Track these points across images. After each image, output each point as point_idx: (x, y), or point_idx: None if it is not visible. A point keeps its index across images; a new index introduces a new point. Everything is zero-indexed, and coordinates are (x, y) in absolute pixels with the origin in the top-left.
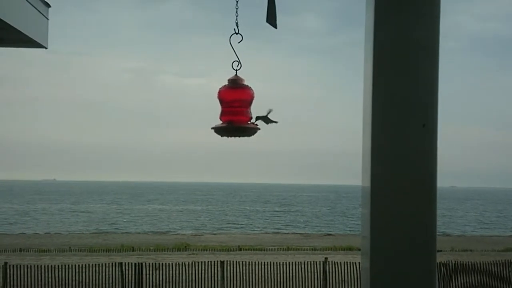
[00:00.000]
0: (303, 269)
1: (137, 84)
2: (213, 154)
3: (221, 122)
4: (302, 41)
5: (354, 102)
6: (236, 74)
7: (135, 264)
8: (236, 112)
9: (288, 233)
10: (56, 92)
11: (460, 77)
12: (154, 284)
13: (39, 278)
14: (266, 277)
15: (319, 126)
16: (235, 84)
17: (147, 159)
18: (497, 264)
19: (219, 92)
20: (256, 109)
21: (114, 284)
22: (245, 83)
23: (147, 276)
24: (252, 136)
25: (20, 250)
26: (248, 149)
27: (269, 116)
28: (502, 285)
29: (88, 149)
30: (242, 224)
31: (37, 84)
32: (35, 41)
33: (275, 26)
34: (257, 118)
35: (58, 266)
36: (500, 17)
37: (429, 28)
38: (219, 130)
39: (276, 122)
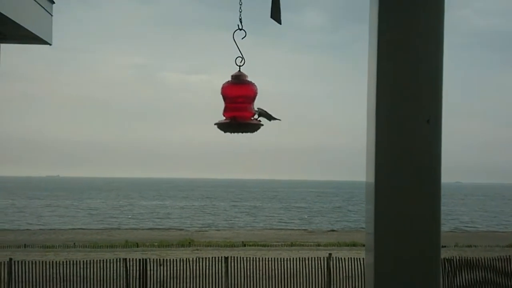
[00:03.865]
0: (307, 265)
1: (140, 80)
2: (217, 150)
3: (224, 118)
4: (306, 37)
5: (359, 98)
6: (239, 70)
7: (139, 260)
8: (239, 108)
9: (292, 229)
10: (60, 88)
11: (465, 72)
12: (158, 280)
13: (44, 274)
14: (270, 273)
15: (323, 122)
16: (239, 80)
17: (151, 155)
18: (501, 259)
19: (223, 88)
20: (259, 106)
21: (118, 280)
22: (249, 79)
23: (152, 272)
24: (257, 133)
25: (25, 246)
26: (253, 145)
27: (270, 114)
28: (506, 281)
29: (92, 145)
30: (246, 220)
31: (41, 80)
32: (39, 37)
33: (280, 22)
34: (260, 112)
35: (63, 262)
36: (504, 12)
37: (433, 22)
38: (222, 126)
39: (279, 119)
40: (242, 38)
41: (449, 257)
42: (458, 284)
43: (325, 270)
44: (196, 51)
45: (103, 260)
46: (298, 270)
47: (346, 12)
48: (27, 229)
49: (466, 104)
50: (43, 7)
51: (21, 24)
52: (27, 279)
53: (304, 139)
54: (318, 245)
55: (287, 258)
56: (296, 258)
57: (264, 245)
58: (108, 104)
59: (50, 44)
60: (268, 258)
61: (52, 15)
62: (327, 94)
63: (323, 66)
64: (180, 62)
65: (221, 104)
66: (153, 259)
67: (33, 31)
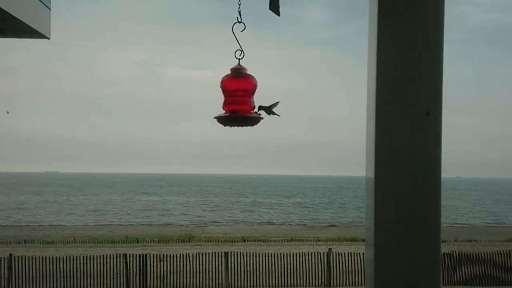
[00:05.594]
0: (307, 260)
1: (142, 76)
2: (218, 145)
3: (224, 111)
4: (308, 32)
5: (363, 93)
6: (239, 63)
7: (139, 255)
8: (239, 102)
9: (292, 224)
10: (59, 84)
11: (467, 67)
12: (158, 275)
13: (44, 270)
14: (270, 268)
15: (325, 117)
16: (238, 73)
17: (151, 151)
18: (501, 254)
19: (222, 82)
20: (260, 100)
21: (119, 275)
22: (248, 72)
23: (152, 267)
24: (258, 128)
25: (25, 241)
26: (254, 140)
27: (273, 109)
28: (506, 275)
29: (92, 141)
30: (246, 215)
31: (40, 76)
32: (37, 32)
33: (278, 14)
34: (260, 108)
35: (63, 257)
36: (506, 7)
37: (433, 15)
38: (222, 120)
39: (278, 115)
40: (242, 31)
41: (449, 252)
42: (458, 278)
43: (325, 265)
44: (198, 47)
45: (103, 256)
46: (298, 265)
47: (349, 7)
48: (27, 225)
49: (468, 99)
50: (41, 1)
51: (19, 18)
52: (27, 274)
53: (306, 134)
54: (318, 240)
55: (287, 253)
56: (296, 253)
57: (264, 240)
58: (109, 100)
59: (48, 38)
60: (268, 253)
61: (50, 9)
62: (330, 89)
63: (326, 61)
64: (182, 58)
65: (222, 98)
66: (153, 255)
67: (31, 25)
